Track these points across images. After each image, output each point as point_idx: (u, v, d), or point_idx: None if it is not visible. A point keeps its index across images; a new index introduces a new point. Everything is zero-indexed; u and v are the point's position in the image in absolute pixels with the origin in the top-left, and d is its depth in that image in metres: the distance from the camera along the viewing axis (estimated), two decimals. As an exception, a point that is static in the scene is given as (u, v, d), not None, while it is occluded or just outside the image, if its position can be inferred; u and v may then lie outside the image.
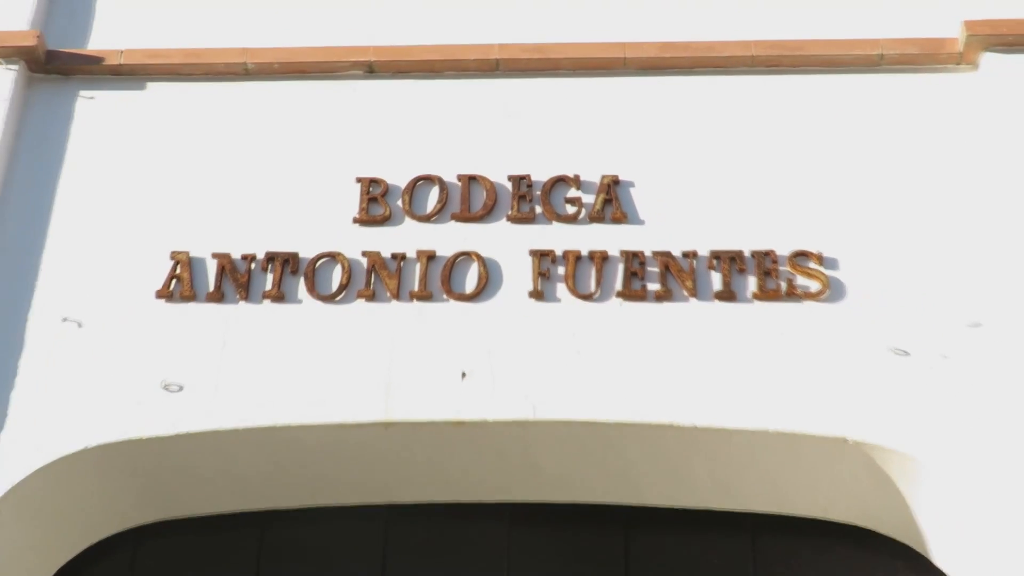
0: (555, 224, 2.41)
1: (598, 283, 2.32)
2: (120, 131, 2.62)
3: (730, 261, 2.31)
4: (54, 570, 2.52)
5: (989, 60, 2.34)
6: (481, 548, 2.56)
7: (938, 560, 2.38)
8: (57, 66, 2.43)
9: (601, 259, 2.32)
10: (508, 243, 2.39)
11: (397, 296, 2.31)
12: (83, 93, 2.47)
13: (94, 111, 2.52)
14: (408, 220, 2.41)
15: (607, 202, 2.39)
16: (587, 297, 2.29)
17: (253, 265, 2.35)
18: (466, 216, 2.40)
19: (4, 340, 2.37)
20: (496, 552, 2.54)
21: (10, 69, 2.35)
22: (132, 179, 2.53)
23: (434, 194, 2.43)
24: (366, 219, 2.39)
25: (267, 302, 2.31)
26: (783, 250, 2.31)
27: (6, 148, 2.50)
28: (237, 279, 2.32)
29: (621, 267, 2.32)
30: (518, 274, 2.34)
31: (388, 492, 2.52)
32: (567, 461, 2.43)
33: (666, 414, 2.21)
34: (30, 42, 2.34)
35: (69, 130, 2.64)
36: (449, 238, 2.40)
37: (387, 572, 2.55)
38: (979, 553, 2.29)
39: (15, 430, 2.27)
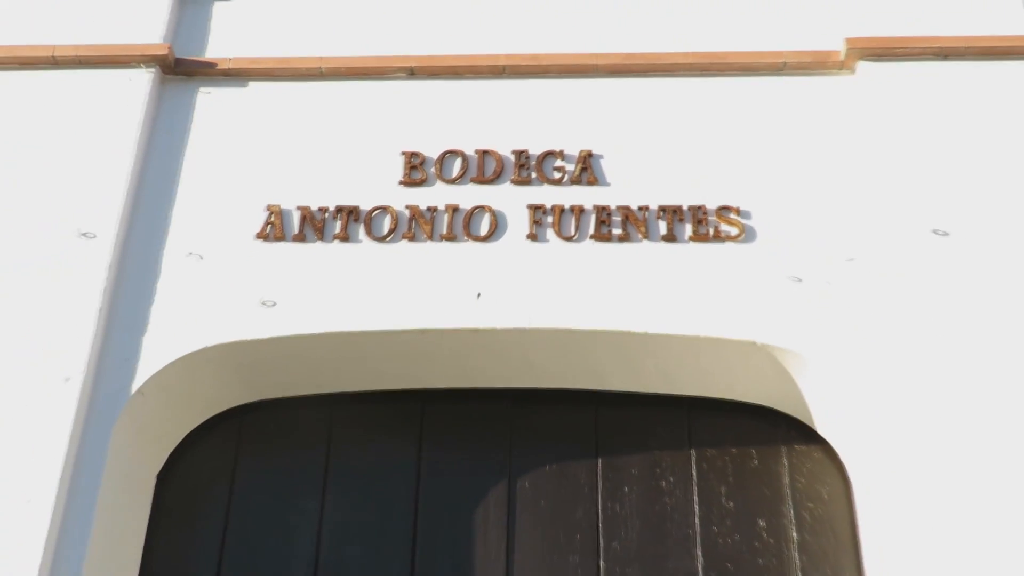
0: (545, 186, 2.56)
1: (576, 229, 2.48)
2: (229, 120, 2.74)
3: (672, 213, 2.45)
4: (181, 437, 2.64)
5: (863, 67, 2.50)
6: (490, 421, 2.67)
7: (820, 429, 2.50)
8: (182, 70, 2.59)
9: (579, 211, 2.48)
10: (511, 200, 2.53)
11: (431, 237, 2.47)
12: (201, 90, 2.62)
13: (210, 104, 2.67)
14: (439, 183, 2.56)
15: (583, 170, 2.54)
16: (568, 239, 2.45)
17: (326, 215, 2.51)
18: (481, 180, 2.55)
19: (147, 269, 2.47)
20: (501, 424, 2.66)
21: (148, 72, 2.49)
22: (239, 153, 2.66)
23: (458, 164, 2.58)
24: (408, 182, 2.53)
25: (336, 242, 2.47)
26: (711, 205, 2.46)
27: (146, 131, 2.63)
28: (315, 224, 2.48)
29: (593, 217, 2.48)
30: (518, 222, 2.50)
31: (424, 380, 2.64)
32: (552, 357, 2.54)
33: (625, 323, 2.37)
34: (163, 52, 2.51)
35: (191, 118, 2.68)
36: (468, 196, 2.54)
37: (423, 439, 2.65)
38: (848, 423, 2.39)
39: (155, 334, 2.38)
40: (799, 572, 2.38)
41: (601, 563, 2.40)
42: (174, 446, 2.65)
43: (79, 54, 2.68)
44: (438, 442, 2.65)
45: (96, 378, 2.34)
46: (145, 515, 2.51)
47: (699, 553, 2.40)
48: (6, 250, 2.50)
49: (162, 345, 2.37)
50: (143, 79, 2.61)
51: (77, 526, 2.21)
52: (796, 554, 2.38)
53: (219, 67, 2.67)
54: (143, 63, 2.64)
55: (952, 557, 2.09)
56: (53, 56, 2.66)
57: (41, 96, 2.69)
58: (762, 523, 2.43)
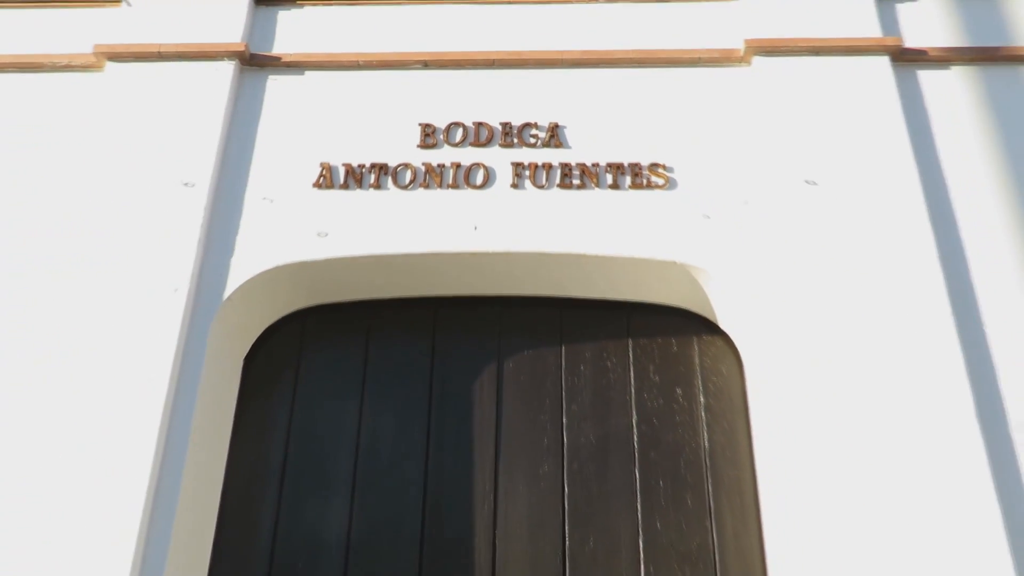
0: (524, 148, 2.66)
1: (547, 180, 2.59)
2: (291, 99, 2.74)
3: (616, 168, 2.57)
4: (260, 331, 2.70)
5: (757, 61, 2.64)
6: (484, 320, 2.73)
7: (721, 324, 2.60)
8: (255, 62, 2.69)
9: (548, 167, 2.59)
10: (499, 159, 2.64)
11: (440, 186, 2.58)
12: (270, 78, 2.70)
13: (276, 88, 2.73)
14: (446, 146, 2.66)
15: (552, 137, 2.64)
16: (540, 187, 2.57)
17: (363, 169, 2.60)
18: (477, 144, 2.65)
19: (233, 210, 2.55)
20: (492, 322, 2.73)
21: (230, 64, 2.63)
22: (298, 124, 2.71)
23: (460, 132, 2.67)
24: (423, 146, 2.64)
25: (371, 189, 2.57)
26: (644, 162, 2.58)
27: (230, 108, 2.69)
28: (355, 176, 2.59)
29: (559, 172, 2.59)
30: (504, 175, 2.61)
31: (436, 290, 2.71)
32: (529, 273, 2.62)
33: (581, 248, 2.49)
34: (241, 48, 2.62)
35: (263, 98, 2.72)
36: (468, 156, 2.65)
37: (435, 333, 2.71)
38: (742, 320, 2.49)
39: (239, 256, 2.47)
40: (705, 426, 2.51)
41: (564, 419, 2.53)
42: (255, 338, 2.71)
43: (179, 50, 2.72)
44: (447, 335, 2.72)
45: (197, 289, 2.44)
46: (235, 391, 2.60)
47: (633, 412, 2.53)
48: (130, 197, 2.55)
49: (244, 265, 2.48)
50: (227, 70, 2.68)
51: (185, 400, 2.31)
52: (703, 412, 2.52)
53: (283, 60, 2.76)
54: (226, 57, 2.71)
55: (816, 415, 2.19)
56: (159, 52, 2.73)
57: (152, 82, 2.75)
58: (679, 391, 2.56)
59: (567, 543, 2.33)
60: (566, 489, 2.41)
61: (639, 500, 2.39)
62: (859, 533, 2.05)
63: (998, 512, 2.04)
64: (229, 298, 2.41)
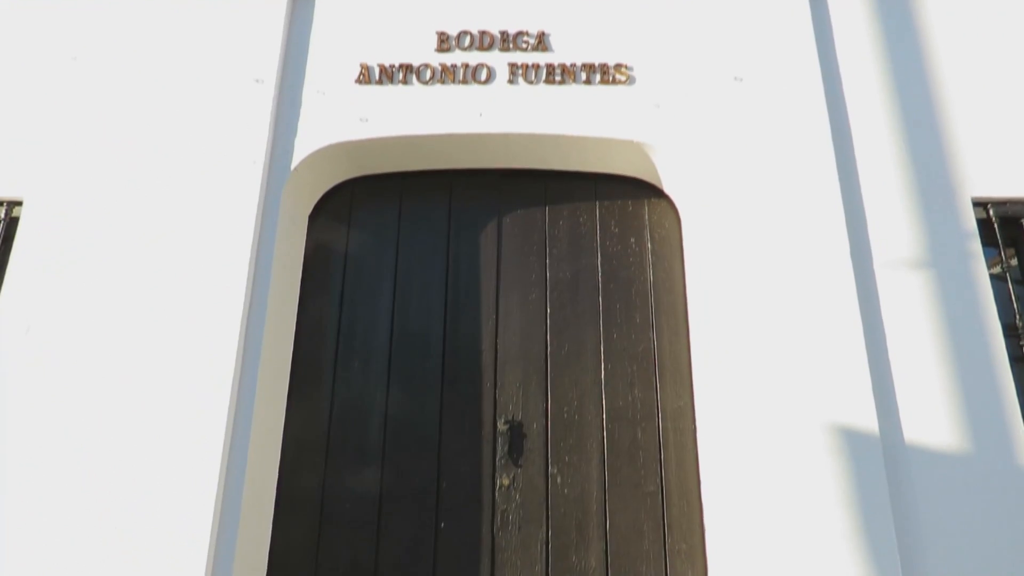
0: (518, 52, 2.85)
1: (535, 77, 2.80)
2: (337, 16, 2.86)
3: (590, 68, 2.79)
4: (321, 195, 2.95)
5: None
6: (488, 187, 2.97)
7: (666, 189, 2.86)
8: None
9: (536, 67, 2.81)
10: (499, 61, 2.84)
11: (453, 82, 2.79)
12: (318, 2, 2.80)
13: (325, 8, 2.86)
14: (457, 50, 2.86)
15: (539, 43, 2.84)
16: (530, 83, 2.79)
17: (394, 68, 2.81)
18: (481, 48, 2.85)
19: (295, 102, 2.69)
20: (494, 188, 2.98)
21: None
22: (343, 34, 2.82)
23: (468, 39, 2.86)
24: (440, 50, 2.85)
25: (400, 84, 2.80)
26: (611, 63, 2.80)
27: (288, 21, 2.84)
28: (387, 74, 2.81)
29: (545, 70, 2.80)
30: (503, 73, 2.81)
31: (451, 163, 2.93)
32: (522, 149, 2.84)
33: (562, 129, 2.71)
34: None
35: (313, 16, 2.86)
36: (474, 58, 2.85)
37: (452, 197, 2.95)
38: (681, 186, 2.72)
39: (302, 136, 2.70)
40: (651, 266, 2.84)
41: (547, 260, 2.86)
42: (316, 201, 2.97)
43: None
44: (460, 199, 2.97)
45: (270, 162, 2.70)
46: (303, 241, 2.90)
47: (599, 255, 2.87)
48: (215, 91, 2.76)
49: (305, 143, 2.73)
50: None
51: (267, 245, 2.60)
52: (650, 256, 2.87)
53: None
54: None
55: (733, 256, 2.49)
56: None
57: (222, 6, 2.90)
58: (633, 240, 2.89)
59: (548, 348, 2.76)
60: (548, 310, 2.81)
61: (601, 318, 2.79)
62: (761, 336, 2.40)
63: (865, 359, 2.32)
64: (295, 169, 2.69)
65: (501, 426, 2.72)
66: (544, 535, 2.61)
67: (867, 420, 2.30)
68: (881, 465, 2.24)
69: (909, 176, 2.63)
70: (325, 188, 2.99)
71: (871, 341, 2.43)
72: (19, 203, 2.72)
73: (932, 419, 2.35)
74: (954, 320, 2.45)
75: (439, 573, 2.58)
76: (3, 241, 2.74)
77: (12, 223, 2.77)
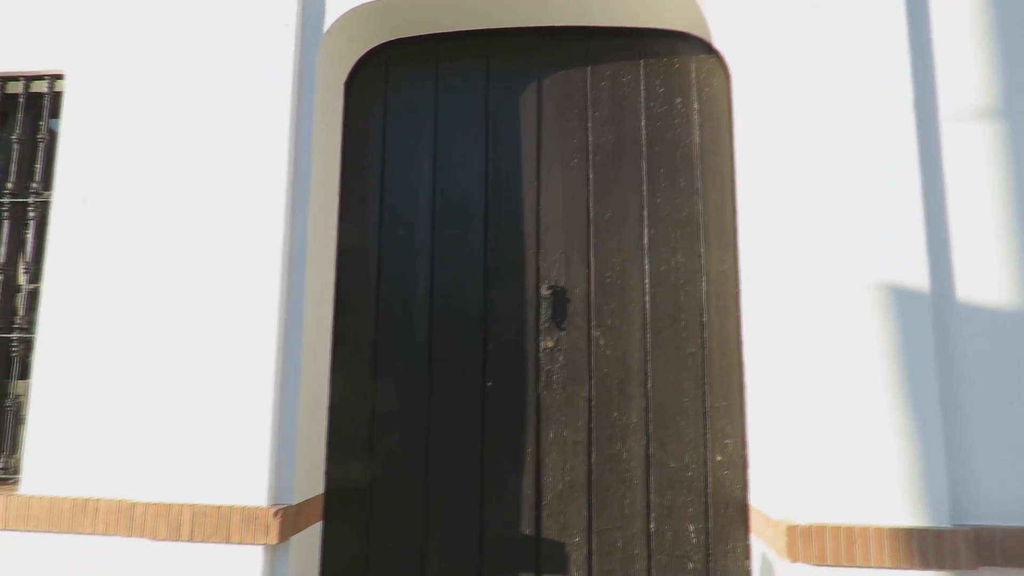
0: None
1: None
2: None
3: None
4: (356, 59, 2.88)
5: None
6: (528, 47, 2.86)
7: (716, 45, 2.71)
8: None
9: None
10: None
11: None
12: None
13: None
14: None
15: None
16: None
17: None
18: None
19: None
20: (534, 47, 2.84)
21: None
22: None
23: None
24: None
25: None
26: None
27: None
28: None
29: None
30: None
31: (489, 22, 2.83)
32: (562, 4, 2.73)
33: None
34: None
35: None
36: None
37: (490, 57, 2.85)
38: (733, 41, 2.60)
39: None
40: (697, 127, 2.74)
41: (589, 124, 2.78)
42: (351, 66, 2.91)
43: None
44: (498, 59, 2.88)
45: (302, 24, 2.61)
46: (340, 107, 2.85)
47: (642, 117, 2.77)
48: (259, 23, 2.59)
49: (337, 4, 2.64)
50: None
51: (306, 110, 2.52)
52: (696, 116, 2.76)
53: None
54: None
55: (786, 116, 2.30)
56: None
57: None
58: (679, 99, 2.78)
59: (591, 213, 2.73)
60: (590, 175, 2.75)
61: (644, 183, 2.73)
62: (812, 196, 2.26)
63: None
64: (328, 31, 2.61)
65: (544, 291, 2.72)
66: (587, 393, 2.68)
67: (918, 278, 2.21)
68: (929, 323, 2.17)
69: (985, 19, 2.38)
70: (359, 53, 2.91)
71: (929, 197, 2.29)
72: (60, 76, 2.75)
73: (987, 277, 2.24)
74: (1020, 177, 2.30)
75: (488, 425, 2.70)
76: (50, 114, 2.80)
77: (56, 97, 2.80)
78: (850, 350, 2.19)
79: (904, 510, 2.09)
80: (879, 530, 2.06)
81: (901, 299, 2.21)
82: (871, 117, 2.30)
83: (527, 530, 2.62)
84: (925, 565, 2.03)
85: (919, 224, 2.23)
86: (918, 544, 2.04)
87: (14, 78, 2.77)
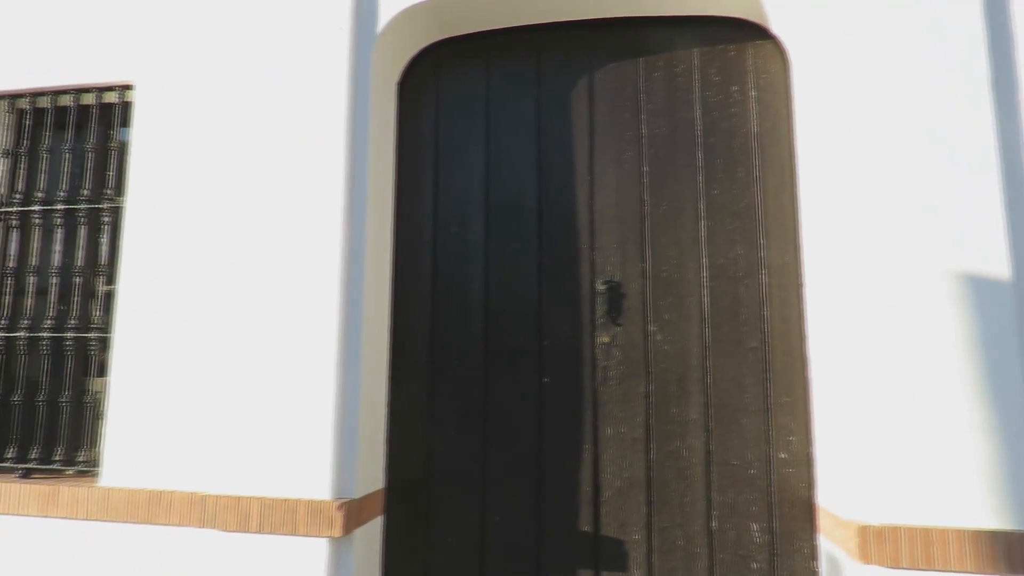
0: None
1: None
2: None
3: None
4: (409, 58, 2.91)
5: None
6: (579, 39, 2.83)
7: (774, 30, 2.59)
8: None
9: None
10: None
11: None
12: None
13: None
14: None
15: None
16: None
17: None
18: None
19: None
20: (586, 40, 2.81)
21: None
22: None
23: None
24: None
25: None
26: None
27: None
28: None
29: None
30: None
31: (540, 16, 2.81)
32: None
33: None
34: None
35: None
36: None
37: (541, 52, 2.83)
38: (791, 26, 2.46)
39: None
40: (754, 115, 2.66)
41: (642, 116, 2.73)
42: (405, 64, 2.93)
43: None
44: (549, 54, 2.86)
45: (357, 27, 2.64)
46: (394, 107, 2.85)
47: (697, 107, 2.71)
48: (315, 28, 2.63)
49: (389, 6, 2.65)
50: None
51: (362, 111, 2.55)
52: (754, 104, 2.67)
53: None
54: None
55: (848, 103, 2.23)
56: None
57: None
58: (735, 88, 2.70)
59: (646, 207, 2.68)
60: (644, 168, 2.70)
61: (700, 175, 2.66)
62: (879, 183, 2.19)
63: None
64: (382, 32, 2.64)
65: (599, 286, 2.69)
66: (645, 389, 2.63)
67: (998, 265, 2.08)
68: (1011, 311, 2.05)
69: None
70: (411, 53, 2.93)
71: (1009, 181, 2.16)
72: (129, 87, 2.83)
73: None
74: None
75: (545, 421, 2.68)
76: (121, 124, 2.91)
77: (126, 106, 2.91)
78: (924, 342, 2.09)
79: (986, 511, 1.98)
80: (959, 532, 1.96)
81: (979, 288, 2.09)
82: (948, 99, 2.20)
83: (586, 527, 2.60)
84: (1013, 569, 1.92)
85: (998, 209, 2.11)
86: (1004, 547, 1.93)
87: (87, 90, 2.88)
